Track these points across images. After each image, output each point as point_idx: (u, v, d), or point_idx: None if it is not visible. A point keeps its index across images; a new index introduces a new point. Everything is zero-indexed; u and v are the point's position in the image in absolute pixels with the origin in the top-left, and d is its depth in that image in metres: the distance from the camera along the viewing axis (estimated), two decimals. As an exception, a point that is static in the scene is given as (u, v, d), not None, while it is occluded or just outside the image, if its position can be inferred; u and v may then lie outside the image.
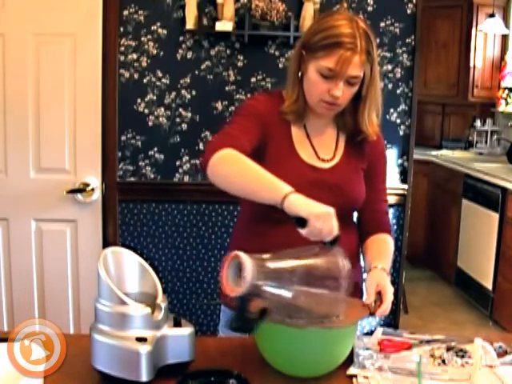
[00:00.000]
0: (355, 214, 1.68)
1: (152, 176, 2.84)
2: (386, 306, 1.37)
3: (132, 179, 2.84)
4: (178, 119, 2.81)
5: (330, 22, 1.44)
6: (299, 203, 1.25)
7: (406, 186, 2.89)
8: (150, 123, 2.81)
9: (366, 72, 1.46)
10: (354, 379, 1.28)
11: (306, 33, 1.54)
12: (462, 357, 1.37)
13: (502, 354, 1.40)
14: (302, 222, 1.24)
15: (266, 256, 1.20)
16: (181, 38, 2.75)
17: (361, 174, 1.60)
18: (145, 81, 2.77)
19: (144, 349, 1.18)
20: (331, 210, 1.25)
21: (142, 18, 2.72)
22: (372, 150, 1.62)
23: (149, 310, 1.22)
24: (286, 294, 1.19)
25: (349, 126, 1.58)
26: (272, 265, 1.19)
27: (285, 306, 1.23)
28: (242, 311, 1.17)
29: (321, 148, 1.57)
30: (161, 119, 2.80)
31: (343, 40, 1.40)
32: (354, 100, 1.53)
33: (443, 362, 1.36)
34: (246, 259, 1.15)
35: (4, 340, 1.24)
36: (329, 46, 1.42)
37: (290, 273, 1.19)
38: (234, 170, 1.38)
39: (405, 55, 2.80)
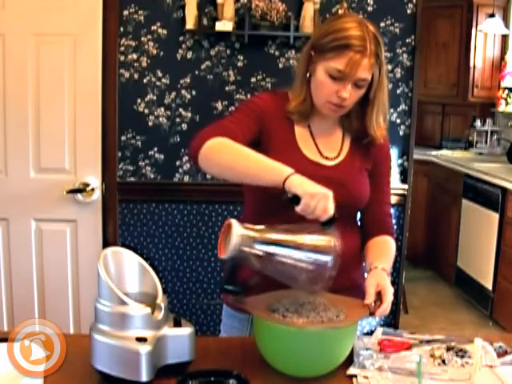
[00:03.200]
0: (358, 216, 1.68)
1: (152, 176, 2.84)
2: (386, 307, 1.37)
3: (132, 179, 2.84)
4: (178, 119, 2.81)
5: (340, 25, 1.46)
6: (298, 182, 1.28)
7: (406, 186, 2.89)
8: (150, 123, 2.81)
9: (375, 75, 1.47)
10: (354, 379, 1.28)
11: (315, 34, 1.55)
12: (462, 357, 1.37)
13: (501, 354, 1.40)
14: (297, 200, 1.27)
15: (259, 227, 1.27)
16: (181, 38, 2.75)
17: (365, 173, 1.60)
18: (145, 81, 2.77)
19: (144, 349, 1.18)
20: (328, 192, 1.28)
21: (142, 18, 2.72)
22: (377, 151, 1.62)
23: (149, 309, 1.22)
24: (271, 263, 1.26)
25: (355, 129, 1.59)
26: (261, 235, 1.26)
27: (270, 272, 1.28)
28: (231, 275, 1.28)
29: (325, 147, 1.58)
30: (161, 119, 2.80)
31: (353, 42, 1.42)
32: (361, 103, 1.53)
33: (443, 362, 1.36)
34: (236, 226, 1.23)
35: (4, 340, 1.24)
36: (339, 47, 1.43)
37: (278, 245, 1.26)
38: (229, 155, 1.39)
39: (405, 55, 2.80)
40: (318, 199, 1.26)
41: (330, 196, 1.28)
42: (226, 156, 1.40)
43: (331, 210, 1.27)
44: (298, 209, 1.27)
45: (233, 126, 1.48)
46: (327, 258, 1.26)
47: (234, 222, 1.25)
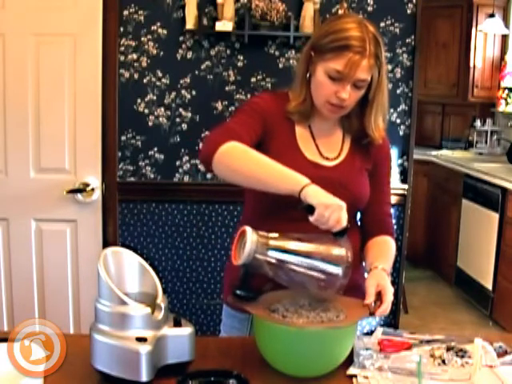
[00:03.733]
0: (358, 216, 1.68)
1: (152, 176, 2.84)
2: (386, 307, 1.37)
3: (132, 179, 2.84)
4: (178, 119, 2.81)
5: (340, 25, 1.46)
6: (314, 193, 1.30)
7: (406, 186, 2.89)
8: (150, 123, 2.81)
9: (374, 76, 1.47)
10: (354, 379, 1.28)
11: (315, 34, 1.55)
12: (462, 357, 1.37)
13: (501, 354, 1.40)
14: (311, 210, 1.29)
15: (272, 235, 1.29)
16: (181, 38, 2.75)
17: (365, 174, 1.61)
18: (145, 81, 2.77)
19: (144, 349, 1.18)
20: (342, 203, 1.30)
21: (141, 18, 2.72)
22: (377, 152, 1.62)
23: (149, 309, 1.22)
24: (283, 270, 1.28)
25: (354, 129, 1.59)
26: (275, 243, 1.28)
27: (282, 279, 1.31)
28: (243, 281, 1.30)
29: (325, 148, 1.58)
30: (161, 119, 2.80)
31: (352, 43, 1.42)
32: (361, 103, 1.54)
33: (443, 362, 1.36)
34: (250, 233, 1.26)
35: (4, 340, 1.24)
36: (338, 48, 1.43)
37: (291, 253, 1.29)
38: (244, 161, 1.40)
39: (405, 55, 2.80)
40: (332, 210, 1.28)
41: (344, 207, 1.30)
42: (241, 162, 1.40)
43: (344, 220, 1.29)
44: (312, 219, 1.29)
45: (240, 128, 1.48)
46: (338, 269, 1.28)
47: (248, 229, 1.27)
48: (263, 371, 1.30)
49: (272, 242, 1.28)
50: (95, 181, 2.63)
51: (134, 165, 2.83)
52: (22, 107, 2.55)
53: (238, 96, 2.80)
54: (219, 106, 2.80)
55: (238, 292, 1.30)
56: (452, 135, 5.78)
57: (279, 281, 1.32)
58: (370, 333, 1.52)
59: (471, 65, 5.12)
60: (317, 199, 1.29)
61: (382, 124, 1.58)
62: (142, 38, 2.73)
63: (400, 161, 2.88)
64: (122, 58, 2.74)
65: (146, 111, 2.79)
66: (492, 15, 4.86)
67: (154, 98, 2.79)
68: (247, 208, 1.68)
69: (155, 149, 2.82)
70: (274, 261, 1.27)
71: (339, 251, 1.29)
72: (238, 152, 1.40)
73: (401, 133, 2.85)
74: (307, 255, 1.29)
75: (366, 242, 1.63)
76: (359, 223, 1.68)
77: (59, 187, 2.58)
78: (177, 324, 1.27)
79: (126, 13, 2.71)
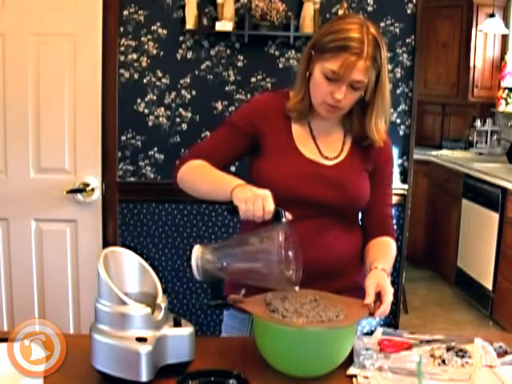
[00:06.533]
0: (360, 218, 1.68)
1: (152, 176, 2.84)
2: (386, 307, 1.36)
3: (132, 179, 2.84)
4: (178, 119, 2.81)
5: (341, 25, 1.45)
6: (236, 193, 1.33)
7: (406, 186, 2.89)
8: (150, 123, 2.81)
9: (371, 78, 1.46)
10: (354, 379, 1.28)
11: (317, 33, 1.55)
12: (462, 357, 1.37)
13: (501, 354, 1.40)
14: (236, 210, 1.32)
15: (217, 244, 1.36)
16: (181, 38, 2.75)
17: (365, 174, 1.60)
18: (145, 81, 2.77)
19: (144, 349, 1.18)
20: (262, 192, 1.30)
21: (142, 18, 2.72)
22: (379, 154, 1.61)
23: (149, 309, 1.22)
24: (232, 270, 1.32)
25: (355, 130, 1.58)
26: (215, 250, 1.33)
27: (241, 279, 1.35)
28: (212, 291, 1.36)
29: (325, 147, 1.58)
30: (161, 119, 2.80)
31: (350, 44, 1.41)
32: (362, 105, 1.53)
33: (443, 362, 1.36)
34: (194, 251, 1.33)
35: (4, 340, 1.24)
36: (335, 48, 1.42)
37: (231, 254, 1.33)
38: (195, 179, 1.52)
39: (405, 55, 2.80)
40: (252, 202, 1.28)
41: (265, 195, 1.29)
42: (193, 180, 1.52)
43: (269, 206, 1.28)
44: (240, 217, 1.31)
45: (210, 146, 1.58)
46: (268, 253, 1.27)
47: (194, 248, 1.33)
48: (263, 371, 1.30)
49: (213, 251, 1.32)
50: (95, 181, 2.63)
51: (134, 165, 2.83)
52: (22, 107, 2.55)
53: (238, 96, 2.80)
54: (219, 106, 2.80)
55: (212, 302, 1.35)
56: (452, 135, 5.78)
57: (243, 281, 1.34)
58: (370, 333, 1.52)
59: (471, 65, 5.12)
60: (235, 197, 1.32)
61: (384, 127, 1.57)
62: (142, 38, 2.73)
63: (400, 161, 2.88)
64: (122, 57, 2.74)
65: (146, 111, 2.79)
66: (492, 15, 4.86)
67: (154, 97, 2.79)
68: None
69: (155, 149, 2.82)
70: (219, 266, 1.31)
71: (271, 236, 1.28)
72: (192, 171, 1.52)
73: (401, 133, 2.86)
74: (242, 250, 1.32)
75: (367, 243, 1.62)
76: (360, 223, 1.68)
77: (59, 187, 2.58)
78: (177, 324, 1.27)
79: (125, 13, 2.71)
